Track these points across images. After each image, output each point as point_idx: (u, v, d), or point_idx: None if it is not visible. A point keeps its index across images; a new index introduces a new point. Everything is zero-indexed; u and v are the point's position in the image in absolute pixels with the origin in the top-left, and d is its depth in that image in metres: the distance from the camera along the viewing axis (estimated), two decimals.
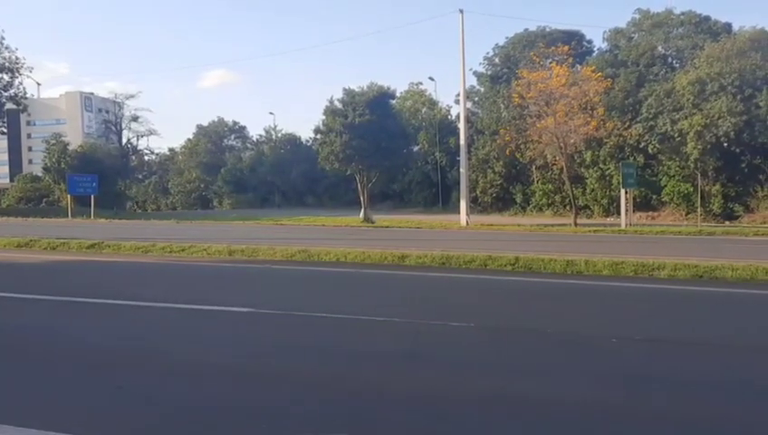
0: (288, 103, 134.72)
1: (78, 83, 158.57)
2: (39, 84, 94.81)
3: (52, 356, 5.90)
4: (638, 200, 34.42)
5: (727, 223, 31.64)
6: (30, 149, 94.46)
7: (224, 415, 4.36)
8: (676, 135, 33.29)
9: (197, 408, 4.52)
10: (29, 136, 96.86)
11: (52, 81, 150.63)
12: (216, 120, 73.18)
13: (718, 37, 36.55)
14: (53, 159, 49.79)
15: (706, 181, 33.50)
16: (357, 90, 31.98)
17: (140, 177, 68.94)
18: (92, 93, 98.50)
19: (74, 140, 59.69)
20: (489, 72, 46.53)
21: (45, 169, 52.17)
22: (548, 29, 43.70)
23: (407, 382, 5.07)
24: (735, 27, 38.64)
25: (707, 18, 39.94)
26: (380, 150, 31.00)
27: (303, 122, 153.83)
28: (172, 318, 7.69)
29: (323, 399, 4.68)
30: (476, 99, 47.98)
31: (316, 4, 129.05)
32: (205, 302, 8.32)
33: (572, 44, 37.76)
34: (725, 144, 32.20)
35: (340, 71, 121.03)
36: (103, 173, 42.01)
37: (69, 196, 36.80)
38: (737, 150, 32.84)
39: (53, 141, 51.96)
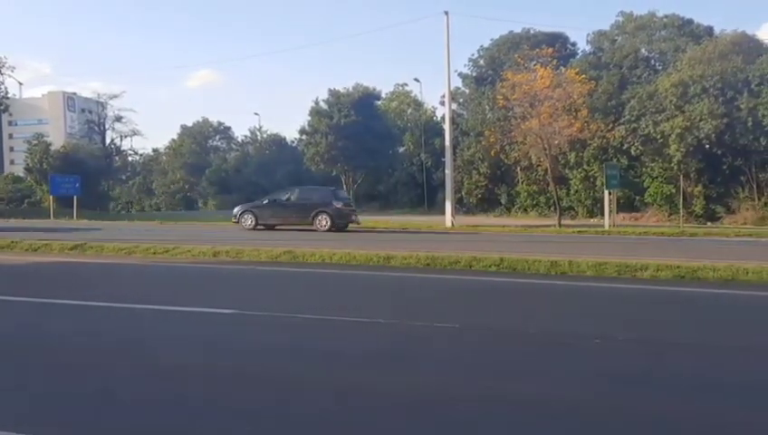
0: (273, 104, 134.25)
1: (61, 83, 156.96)
2: (21, 84, 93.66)
3: (34, 358, 5.84)
4: (621, 201, 34.72)
5: (709, 224, 32.00)
6: (12, 149, 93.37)
7: (207, 417, 4.35)
8: (658, 137, 33.60)
9: (181, 410, 4.50)
10: (11, 136, 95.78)
11: (34, 80, 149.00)
12: (200, 120, 72.83)
13: (700, 40, 36.99)
14: (36, 160, 49.24)
15: (688, 183, 33.84)
16: (342, 91, 32.03)
17: (124, 177, 68.36)
18: (75, 93, 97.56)
19: (57, 140, 58.97)
20: (474, 74, 46.64)
21: (27, 169, 51.62)
22: (532, 31, 43.94)
23: (391, 384, 5.08)
24: (717, 30, 39.15)
25: (690, 21, 40.38)
26: (366, 151, 31.05)
27: (289, 123, 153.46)
28: (156, 320, 7.65)
29: (308, 401, 4.68)
30: (461, 100, 48.07)
31: (302, 5, 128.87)
32: (189, 304, 8.29)
33: (556, 46, 37.94)
34: (707, 146, 32.56)
35: (325, 72, 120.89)
36: (86, 174, 41.60)
37: (51, 197, 36.43)
38: (719, 152, 33.20)
39: (36, 142, 51.42)
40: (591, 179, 37.89)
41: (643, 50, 40.58)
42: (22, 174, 55.36)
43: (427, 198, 48.15)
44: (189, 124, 72.87)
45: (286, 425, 4.23)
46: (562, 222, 30.07)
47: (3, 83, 46.43)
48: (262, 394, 4.80)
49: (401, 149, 49.60)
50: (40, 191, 48.21)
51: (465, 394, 4.81)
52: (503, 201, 43.62)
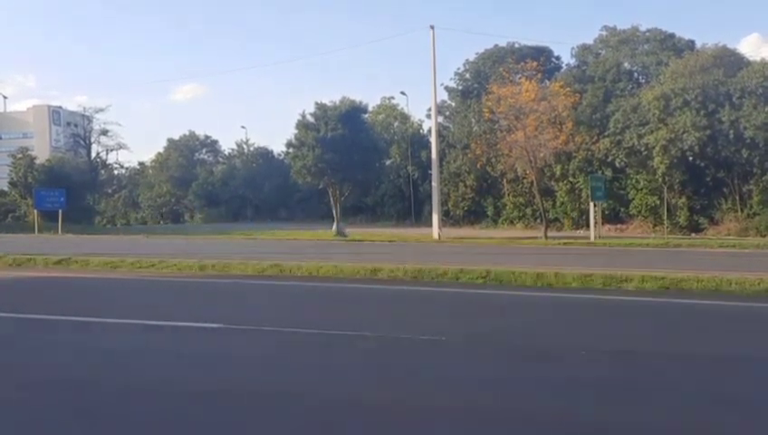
0: (260, 118, 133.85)
1: (46, 97, 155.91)
2: (6, 97, 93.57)
3: (15, 374, 5.80)
4: (606, 213, 34.90)
5: (693, 235, 32.24)
6: None
7: (192, 432, 4.33)
8: (642, 149, 33.90)
9: (164, 427, 4.48)
10: None
11: (19, 94, 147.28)
12: (186, 133, 72.47)
13: (682, 54, 37.42)
14: (20, 174, 48.72)
15: (673, 194, 34.11)
16: (329, 104, 31.92)
17: (110, 191, 67.75)
18: (61, 107, 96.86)
19: (42, 153, 58.49)
20: (460, 87, 46.86)
21: (12, 183, 51.02)
22: (517, 45, 44.20)
23: (376, 397, 5.09)
24: (698, 44, 39.63)
25: (672, 35, 40.88)
26: (353, 164, 30.98)
27: (276, 136, 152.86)
28: (141, 335, 7.60)
29: (293, 414, 4.68)
30: (448, 113, 48.28)
31: (288, 19, 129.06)
32: (174, 318, 8.26)
33: (541, 60, 38.22)
34: (690, 158, 32.88)
35: (312, 85, 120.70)
36: (71, 188, 41.22)
37: (36, 211, 36.14)
38: (702, 164, 33.53)
39: (20, 155, 50.87)
40: (577, 191, 38.10)
41: (626, 63, 41.02)
42: (6, 188, 54.71)
43: (414, 211, 48.18)
44: (176, 138, 72.44)
45: None
46: (548, 234, 30.18)
47: None
48: (246, 409, 4.78)
49: (388, 162, 49.59)
50: (24, 205, 47.67)
51: (448, 407, 4.82)
52: (489, 213, 43.74)
